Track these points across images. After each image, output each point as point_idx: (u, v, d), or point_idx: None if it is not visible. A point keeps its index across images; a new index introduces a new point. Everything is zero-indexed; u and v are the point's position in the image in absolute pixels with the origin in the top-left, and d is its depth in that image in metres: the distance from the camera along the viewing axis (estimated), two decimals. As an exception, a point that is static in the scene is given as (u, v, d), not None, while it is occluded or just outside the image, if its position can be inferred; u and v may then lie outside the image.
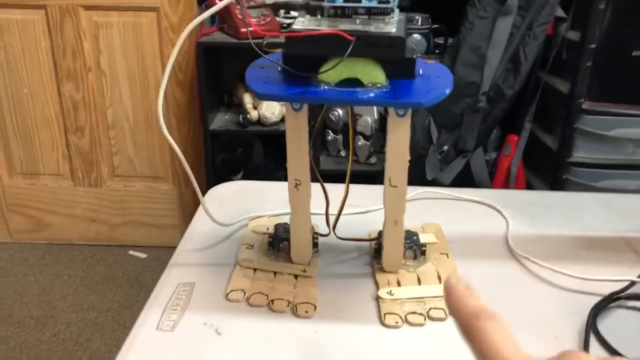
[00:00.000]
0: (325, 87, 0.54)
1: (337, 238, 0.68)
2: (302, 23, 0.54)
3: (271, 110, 1.87)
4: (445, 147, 1.71)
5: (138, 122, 2.06)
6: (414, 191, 0.85)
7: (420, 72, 0.57)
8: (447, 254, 0.70)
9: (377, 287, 0.64)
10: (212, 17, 2.00)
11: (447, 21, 1.80)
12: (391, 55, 0.52)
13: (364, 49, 0.52)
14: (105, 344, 1.72)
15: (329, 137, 2.08)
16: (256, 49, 0.55)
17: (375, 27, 0.52)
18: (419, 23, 1.78)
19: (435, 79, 0.56)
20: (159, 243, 2.19)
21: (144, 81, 2.00)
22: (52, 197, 2.18)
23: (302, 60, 0.54)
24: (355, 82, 0.54)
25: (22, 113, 2.06)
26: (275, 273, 0.65)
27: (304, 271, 0.65)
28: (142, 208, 2.18)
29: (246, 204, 0.82)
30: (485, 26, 1.63)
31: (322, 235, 0.70)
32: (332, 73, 0.54)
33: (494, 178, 1.77)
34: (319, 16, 0.53)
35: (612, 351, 0.53)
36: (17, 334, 1.76)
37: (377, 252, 0.68)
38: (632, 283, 0.62)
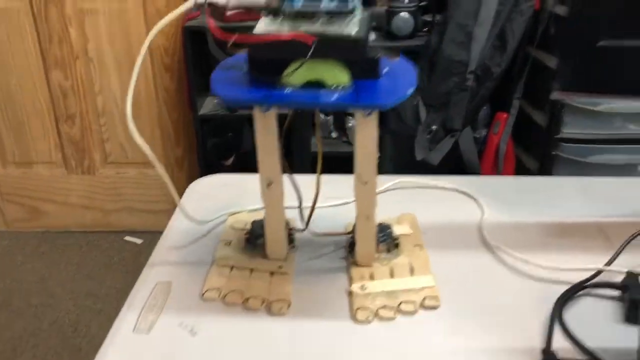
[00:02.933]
0: (290, 89, 0.54)
1: (311, 235, 0.69)
2: (263, 26, 0.54)
3: (260, 93, 1.87)
4: (434, 127, 1.71)
5: (128, 109, 2.06)
6: (391, 181, 0.86)
7: (385, 70, 0.57)
8: (420, 245, 0.71)
9: (351, 281, 0.65)
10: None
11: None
12: (352, 57, 0.52)
13: (325, 51, 0.52)
14: (103, 331, 1.73)
15: (320, 118, 2.08)
16: (218, 52, 0.55)
17: (336, 28, 0.52)
18: (406, 1, 1.77)
19: (400, 78, 0.57)
20: (155, 228, 2.20)
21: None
22: (46, 185, 2.19)
23: (266, 63, 0.55)
24: (320, 83, 0.55)
25: (11, 102, 2.06)
26: (251, 270, 0.67)
27: (280, 267, 0.67)
28: (136, 194, 2.19)
29: (227, 198, 0.83)
30: (472, 3, 1.62)
31: (298, 230, 0.71)
32: (296, 76, 0.54)
33: (483, 156, 1.77)
34: (280, 17, 0.53)
35: (575, 341, 0.54)
36: (17, 322, 1.78)
37: (352, 246, 0.69)
38: (599, 272, 0.63)
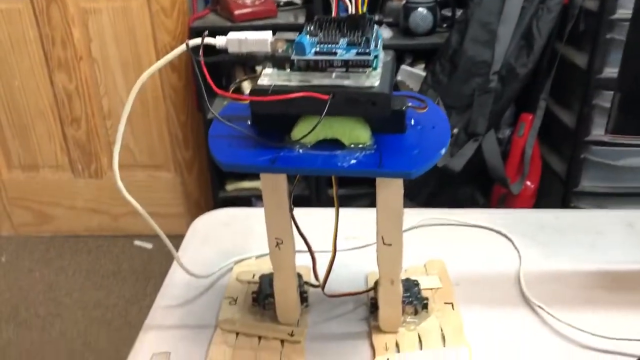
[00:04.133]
0: (300, 150, 0.46)
1: (327, 296, 0.61)
2: (269, 77, 0.45)
3: (271, 95, 1.78)
4: (456, 130, 1.61)
5: (135, 110, 1.99)
6: (418, 216, 0.77)
7: (412, 122, 0.49)
8: (452, 304, 0.63)
9: (374, 352, 0.57)
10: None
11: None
12: (374, 113, 0.44)
13: (342, 108, 0.44)
14: (112, 344, 1.69)
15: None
16: (216, 116, 0.47)
17: (355, 80, 0.44)
18: (425, -4, 1.66)
19: (429, 131, 0.48)
20: (165, 232, 2.14)
21: (137, 68, 1.91)
22: (53, 190, 2.13)
23: (272, 120, 0.46)
24: (335, 141, 0.46)
25: (15, 105, 1.99)
26: (259, 338, 0.59)
27: (292, 334, 0.59)
28: (145, 198, 2.10)
29: (233, 240, 0.75)
30: (495, 0, 1.51)
31: (312, 285, 0.63)
32: (308, 134, 0.46)
33: (508, 161, 1.68)
34: (288, 70, 0.45)
35: None
36: (24, 335, 1.74)
37: (374, 306, 0.61)
38: (662, 344, 0.55)
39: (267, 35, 0.46)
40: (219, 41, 0.48)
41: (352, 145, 0.46)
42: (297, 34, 0.46)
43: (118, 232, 2.17)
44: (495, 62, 1.53)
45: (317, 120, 0.44)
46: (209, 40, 0.48)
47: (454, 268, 0.68)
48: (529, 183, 1.71)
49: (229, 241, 0.75)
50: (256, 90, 0.44)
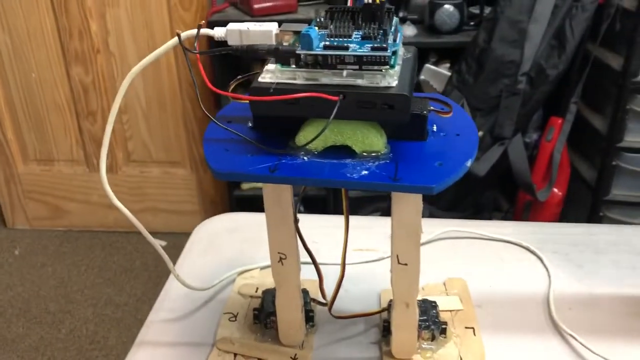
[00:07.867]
0: (305, 157, 0.40)
1: (335, 317, 0.56)
2: (271, 74, 0.40)
3: (289, 92, 1.73)
4: (481, 133, 1.54)
5: (151, 106, 1.95)
6: (438, 227, 0.71)
7: (434, 128, 0.43)
8: (473, 329, 0.57)
9: (384, 381, 0.51)
10: (224, -8, 1.85)
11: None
12: (391, 118, 0.38)
13: (354, 111, 0.38)
14: (121, 342, 1.66)
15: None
16: (210, 117, 0.42)
17: (369, 79, 0.38)
18: (451, -7, 1.59)
19: (453, 139, 0.42)
20: (179, 230, 2.10)
21: (155, 62, 1.87)
22: (68, 184, 2.11)
23: (275, 123, 0.41)
24: (345, 148, 0.41)
25: (32, 98, 1.97)
26: (259, 361, 0.54)
27: (294, 358, 0.53)
28: (160, 194, 2.09)
29: (237, 248, 0.70)
30: (527, -3, 1.44)
31: (320, 303, 0.58)
32: (314, 140, 0.40)
33: (535, 166, 1.60)
34: (294, 66, 0.39)
35: None
36: (34, 331, 1.71)
37: (386, 330, 0.55)
38: None
39: (272, 26, 0.41)
40: (217, 32, 0.42)
41: (365, 154, 0.40)
42: (307, 26, 0.41)
43: (133, 228, 2.13)
44: (525, 63, 1.46)
45: (325, 124, 0.38)
46: (205, 31, 0.42)
47: (476, 288, 0.62)
48: (556, 190, 1.63)
49: (233, 250, 0.70)
50: (256, 89, 0.39)
